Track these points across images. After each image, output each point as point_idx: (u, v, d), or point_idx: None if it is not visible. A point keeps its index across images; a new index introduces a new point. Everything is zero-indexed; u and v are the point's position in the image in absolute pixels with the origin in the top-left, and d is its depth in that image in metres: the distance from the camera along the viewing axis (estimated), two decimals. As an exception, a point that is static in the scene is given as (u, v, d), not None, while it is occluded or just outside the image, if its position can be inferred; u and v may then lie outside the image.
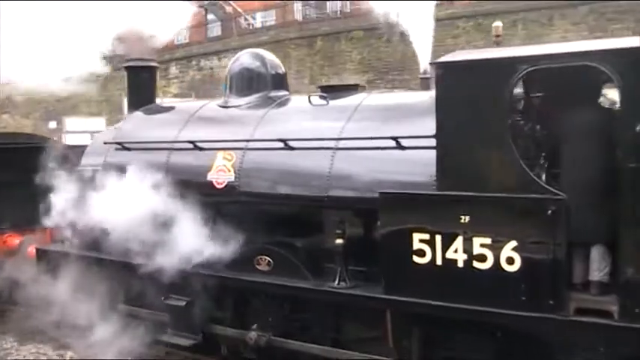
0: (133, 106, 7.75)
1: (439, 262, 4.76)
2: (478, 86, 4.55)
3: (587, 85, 4.66)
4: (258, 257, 5.91)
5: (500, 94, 4.48)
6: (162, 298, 6.45)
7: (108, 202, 6.70)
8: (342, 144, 5.46)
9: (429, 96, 5.66)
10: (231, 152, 6.07)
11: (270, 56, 6.86)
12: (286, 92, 6.79)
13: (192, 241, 6.28)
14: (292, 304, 5.79)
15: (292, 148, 5.73)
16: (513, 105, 4.56)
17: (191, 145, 6.39)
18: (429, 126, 5.01)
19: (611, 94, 4.64)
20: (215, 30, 32.60)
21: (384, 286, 5.06)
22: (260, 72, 6.72)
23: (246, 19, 31.56)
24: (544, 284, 4.38)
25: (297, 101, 6.52)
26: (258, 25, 31.07)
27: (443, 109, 4.73)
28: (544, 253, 4.35)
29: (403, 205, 4.93)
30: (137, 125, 7.31)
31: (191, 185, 6.27)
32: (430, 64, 4.80)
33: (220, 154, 6.14)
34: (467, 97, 4.60)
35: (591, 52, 4.29)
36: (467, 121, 4.63)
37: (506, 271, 4.49)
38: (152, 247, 6.49)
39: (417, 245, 4.85)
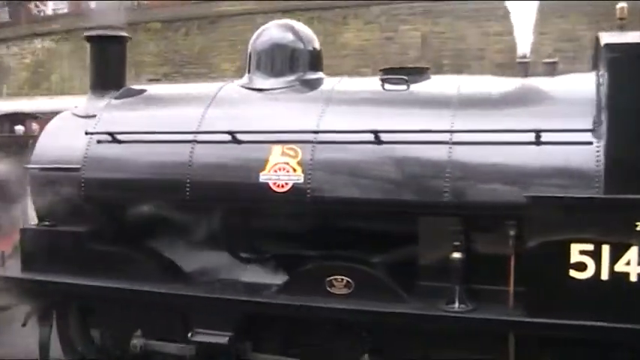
0: (100, 87, 6.24)
1: (605, 276, 4.20)
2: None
3: None
4: (332, 278, 4.89)
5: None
6: (189, 334, 5.14)
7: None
8: (458, 137, 4.65)
9: (527, 84, 5.10)
10: (294, 146, 4.97)
11: (304, 28, 5.80)
12: (322, 74, 5.78)
13: (231, 258, 5.15)
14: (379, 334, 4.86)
15: (381, 142, 4.80)
16: None
17: (227, 137, 5.15)
18: (570, 117, 4.47)
19: None
20: (2, 16, 29.88)
21: (529, 307, 4.38)
22: (296, 48, 5.65)
23: (36, 6, 29.25)
24: None
25: (359, 85, 5.57)
26: (49, 12, 28.91)
27: (619, 98, 4.16)
28: None
29: (561, 210, 4.27)
30: (130, 111, 5.83)
31: (232, 188, 5.07)
32: (606, 45, 4.18)
33: (277, 148, 5.00)
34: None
35: None
36: None
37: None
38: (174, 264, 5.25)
39: (575, 258, 4.24)
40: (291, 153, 4.96)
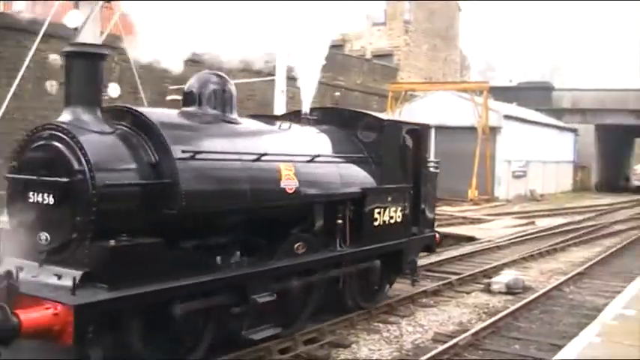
0: (76, 101, 7.11)
1: (380, 223, 10.32)
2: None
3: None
4: (298, 244, 8.90)
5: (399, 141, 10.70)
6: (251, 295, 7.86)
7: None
8: (340, 159, 9.64)
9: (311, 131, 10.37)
10: (289, 164, 8.60)
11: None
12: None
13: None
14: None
15: (315, 161, 9.16)
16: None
17: (254, 157, 8.16)
18: (349, 148, 10.30)
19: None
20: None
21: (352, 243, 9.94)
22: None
23: None
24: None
25: (269, 124, 9.17)
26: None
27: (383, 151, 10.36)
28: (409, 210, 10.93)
29: (372, 194, 10.08)
30: (187, 132, 7.45)
31: (268, 192, 8.25)
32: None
33: (282, 165, 8.48)
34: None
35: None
36: (392, 152, 10.49)
37: (397, 221, 10.67)
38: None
39: (375, 215, 10.19)
40: (289, 168, 8.57)
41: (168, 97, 23.78)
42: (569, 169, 52.04)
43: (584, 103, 54.20)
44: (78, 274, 6.38)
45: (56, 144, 6.78)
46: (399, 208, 10.68)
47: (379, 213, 10.20)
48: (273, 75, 19.68)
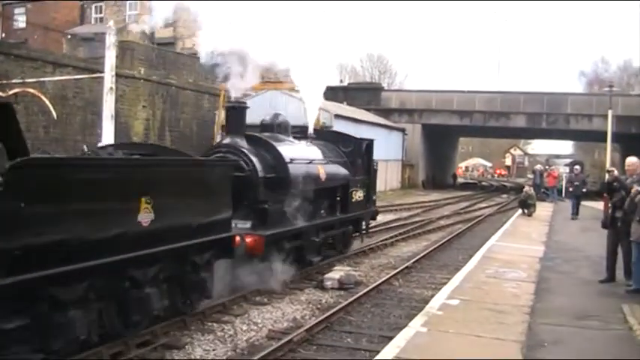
0: (234, 133, 13.81)
1: (354, 200, 17.54)
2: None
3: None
4: (322, 211, 15.89)
5: (362, 150, 17.99)
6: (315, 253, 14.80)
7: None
8: (335, 162, 16.72)
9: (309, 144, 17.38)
10: (320, 165, 15.56)
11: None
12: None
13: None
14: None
15: (328, 163, 16.17)
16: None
17: (308, 161, 15.06)
18: (337, 155, 17.48)
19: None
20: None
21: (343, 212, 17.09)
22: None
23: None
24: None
25: (300, 141, 16.01)
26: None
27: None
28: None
29: (351, 182, 17.24)
30: (285, 146, 14.25)
31: (316, 179, 15.19)
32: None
33: (318, 165, 15.43)
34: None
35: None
36: (359, 157, 17.74)
37: (361, 199, 17.93)
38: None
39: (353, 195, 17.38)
40: (321, 167, 15.54)
41: None
42: (398, 167, 55.22)
43: (411, 104, 59.07)
44: (249, 222, 13.03)
45: (231, 155, 13.27)
46: (362, 192, 17.93)
47: (354, 194, 17.36)
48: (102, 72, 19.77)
